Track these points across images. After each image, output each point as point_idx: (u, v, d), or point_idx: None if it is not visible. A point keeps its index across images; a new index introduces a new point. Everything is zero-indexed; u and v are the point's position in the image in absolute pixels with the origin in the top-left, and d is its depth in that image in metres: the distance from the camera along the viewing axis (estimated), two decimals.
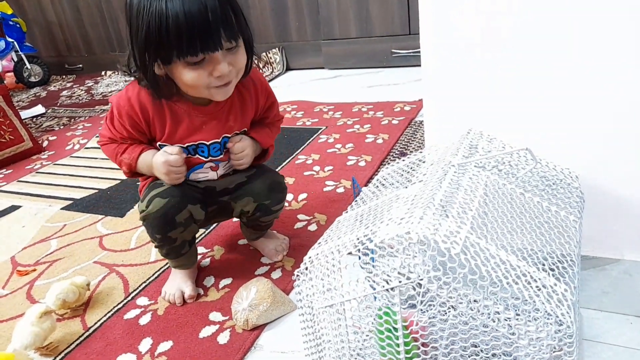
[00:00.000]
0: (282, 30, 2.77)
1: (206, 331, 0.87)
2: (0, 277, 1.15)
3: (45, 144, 2.12)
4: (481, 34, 0.83)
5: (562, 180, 0.75)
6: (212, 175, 0.95)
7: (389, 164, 0.85)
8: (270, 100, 0.98)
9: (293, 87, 2.47)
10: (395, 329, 0.56)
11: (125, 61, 0.83)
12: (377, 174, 0.84)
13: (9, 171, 1.85)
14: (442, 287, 0.51)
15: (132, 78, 0.86)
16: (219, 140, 0.91)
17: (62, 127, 2.35)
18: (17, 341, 0.85)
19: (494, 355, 0.58)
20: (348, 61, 2.61)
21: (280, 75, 2.73)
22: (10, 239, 1.32)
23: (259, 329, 0.86)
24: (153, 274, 1.06)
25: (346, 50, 2.60)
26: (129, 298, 0.99)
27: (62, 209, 1.46)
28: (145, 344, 0.86)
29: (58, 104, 2.84)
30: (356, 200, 0.77)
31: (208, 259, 1.09)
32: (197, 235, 1.12)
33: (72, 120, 2.45)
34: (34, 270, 1.15)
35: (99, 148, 1.96)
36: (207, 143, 0.90)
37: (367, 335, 0.66)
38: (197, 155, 0.91)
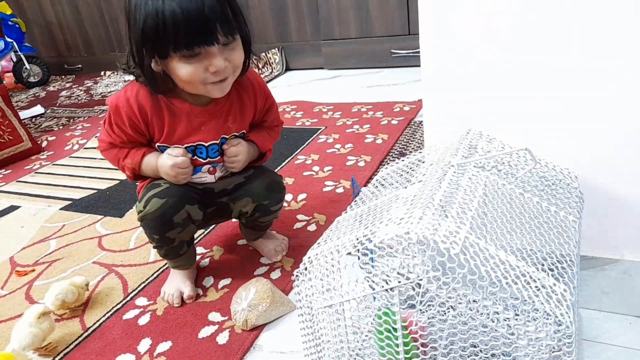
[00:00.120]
0: (281, 31, 2.77)
1: (205, 331, 0.87)
2: None
3: (44, 144, 2.12)
4: (481, 34, 0.83)
5: (561, 180, 0.75)
6: (210, 178, 0.95)
7: (388, 164, 0.85)
8: (269, 102, 0.97)
9: (292, 88, 2.47)
10: (395, 329, 0.56)
11: (125, 60, 0.83)
12: (376, 174, 0.84)
13: (8, 171, 1.85)
14: (442, 287, 0.51)
15: (132, 77, 0.86)
16: (218, 142, 0.91)
17: (61, 127, 2.35)
18: (15, 342, 0.85)
19: (493, 355, 0.58)
20: (348, 61, 2.62)
21: (279, 76, 2.73)
22: (9, 239, 1.32)
23: (258, 329, 0.86)
24: (152, 274, 1.06)
25: (346, 51, 2.60)
26: (128, 298, 0.99)
27: (61, 209, 1.45)
28: (144, 345, 0.86)
29: (57, 104, 2.84)
30: (355, 201, 0.77)
31: (207, 259, 1.09)
32: (196, 236, 1.12)
33: (71, 120, 2.45)
34: (33, 270, 1.15)
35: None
36: (206, 144, 0.90)
37: (367, 336, 0.66)
38: (195, 157, 0.91)
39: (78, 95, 3.00)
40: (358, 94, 2.17)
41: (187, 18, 0.72)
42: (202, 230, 1.19)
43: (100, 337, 0.89)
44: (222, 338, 0.84)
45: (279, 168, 1.50)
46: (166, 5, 0.72)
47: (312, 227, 1.15)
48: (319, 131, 1.77)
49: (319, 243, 0.64)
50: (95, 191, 1.55)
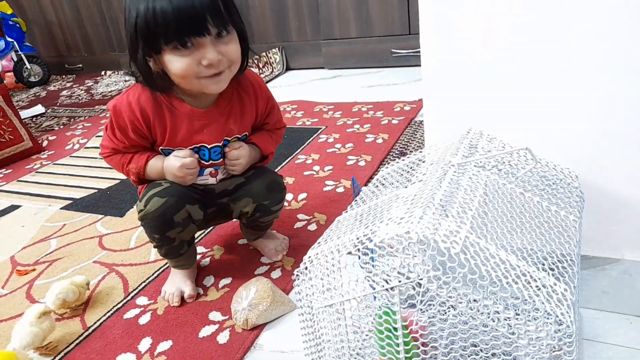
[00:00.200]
0: (282, 30, 2.77)
1: (206, 331, 0.87)
2: (0, 276, 1.14)
3: (44, 143, 2.12)
4: (481, 34, 0.83)
5: (562, 179, 0.75)
6: (212, 181, 0.95)
7: (388, 163, 0.85)
8: (270, 104, 0.97)
9: (293, 87, 2.47)
10: (395, 329, 0.56)
11: (128, 62, 0.84)
12: (376, 174, 0.84)
13: (9, 171, 1.85)
14: (442, 286, 0.51)
15: (132, 79, 0.86)
16: (220, 144, 0.91)
17: (61, 126, 2.35)
18: (16, 341, 0.85)
19: (493, 354, 0.58)
20: (348, 61, 2.62)
21: (280, 75, 2.73)
22: (9, 239, 1.32)
23: (258, 328, 0.86)
24: (153, 274, 1.06)
25: (346, 50, 2.60)
26: (129, 298, 0.99)
27: (61, 208, 1.46)
28: (144, 344, 0.86)
29: (58, 104, 2.84)
30: (356, 200, 0.77)
31: (208, 259, 1.09)
32: (196, 235, 1.12)
33: (72, 120, 2.45)
34: (34, 269, 1.15)
35: (98, 148, 1.95)
36: (208, 146, 0.90)
37: (367, 335, 0.66)
38: (197, 155, 0.91)
39: (78, 95, 3.00)
40: (358, 94, 2.17)
41: (177, 10, 0.73)
42: (203, 230, 1.19)
43: (101, 336, 0.90)
44: (223, 337, 0.85)
45: (279, 168, 1.50)
46: (157, 0, 0.73)
47: (312, 227, 1.15)
48: (320, 131, 1.77)
49: (319, 242, 0.64)
50: (96, 191, 1.55)
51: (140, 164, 0.89)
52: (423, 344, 0.56)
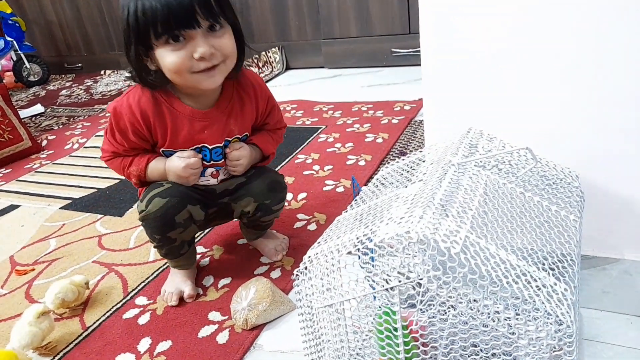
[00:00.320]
0: (282, 30, 2.77)
1: (205, 331, 0.87)
2: None
3: (44, 143, 2.11)
4: (481, 33, 0.83)
5: (562, 179, 0.75)
6: (213, 181, 0.95)
7: (388, 163, 0.85)
8: (271, 104, 0.97)
9: (293, 87, 2.46)
10: (395, 329, 0.56)
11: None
12: (376, 174, 0.84)
13: (8, 170, 1.85)
14: (442, 286, 0.50)
15: (133, 80, 0.86)
16: (221, 145, 0.91)
17: (61, 126, 2.35)
18: (15, 341, 0.85)
19: (493, 354, 0.57)
20: (348, 60, 2.61)
21: (280, 75, 2.73)
22: (9, 239, 1.32)
23: (258, 328, 0.85)
24: (152, 274, 1.06)
25: (346, 50, 2.59)
26: (128, 297, 0.99)
27: (61, 208, 1.45)
28: (144, 344, 0.86)
29: (57, 103, 2.84)
30: (356, 200, 0.77)
31: (207, 259, 1.09)
32: (196, 235, 1.12)
33: (71, 119, 2.45)
34: (33, 269, 1.15)
35: (98, 147, 1.95)
36: (210, 147, 0.90)
37: (367, 335, 0.66)
38: (200, 155, 0.91)
39: (78, 94, 3.00)
40: (358, 93, 2.17)
41: (165, 3, 0.73)
42: (203, 230, 1.18)
43: (100, 336, 0.89)
44: (222, 337, 0.84)
45: (279, 167, 1.50)
46: None
47: (312, 227, 1.15)
48: (319, 130, 1.77)
49: (319, 242, 0.64)
50: (95, 190, 1.55)
51: (141, 166, 0.89)
52: (423, 344, 0.56)
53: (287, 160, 1.55)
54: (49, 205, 1.49)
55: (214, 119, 0.89)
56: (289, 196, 1.30)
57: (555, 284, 0.55)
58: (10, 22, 3.13)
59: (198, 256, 1.07)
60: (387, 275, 0.55)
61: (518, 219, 0.64)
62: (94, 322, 0.93)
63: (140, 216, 0.89)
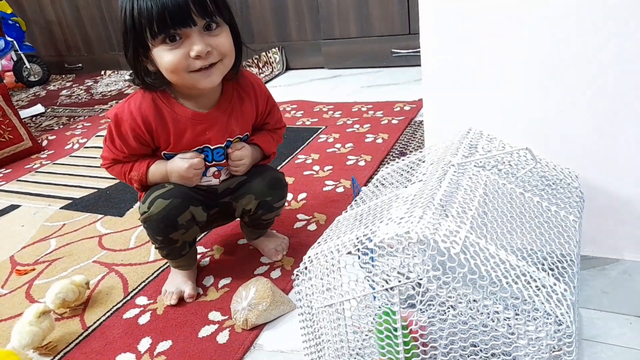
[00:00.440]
0: (282, 30, 2.77)
1: (205, 331, 0.87)
2: None
3: (44, 143, 2.12)
4: (481, 34, 0.83)
5: (562, 179, 0.75)
6: (215, 182, 0.96)
7: (388, 163, 0.85)
8: (270, 104, 0.98)
9: (293, 87, 2.47)
10: (395, 329, 0.56)
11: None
12: (376, 174, 0.84)
13: (8, 170, 1.85)
14: (442, 286, 0.51)
15: (135, 84, 0.86)
16: (223, 145, 0.91)
17: (61, 126, 2.35)
18: (15, 340, 0.85)
19: (493, 354, 0.58)
20: (348, 61, 2.61)
21: (280, 75, 2.73)
22: (9, 239, 1.32)
23: (258, 328, 0.86)
24: (152, 274, 1.06)
25: (346, 50, 2.59)
26: (128, 297, 0.99)
27: (61, 208, 1.46)
28: (144, 344, 0.86)
29: (57, 104, 2.84)
30: (356, 200, 0.77)
31: (207, 259, 1.09)
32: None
33: (72, 119, 2.45)
34: (33, 269, 1.15)
35: (98, 148, 1.96)
36: (212, 147, 0.90)
37: (367, 335, 0.66)
38: (202, 155, 0.91)
39: (78, 95, 3.00)
40: (358, 94, 2.17)
41: (161, 3, 0.74)
42: (204, 232, 1.19)
43: (101, 336, 0.90)
44: (222, 337, 0.85)
45: (279, 167, 1.50)
46: None
47: (312, 227, 1.15)
48: (319, 131, 1.77)
49: (319, 242, 0.64)
50: (96, 190, 1.55)
51: (141, 171, 0.89)
52: (423, 344, 0.56)
53: (287, 160, 1.55)
54: (50, 205, 1.49)
55: (215, 120, 0.89)
56: (289, 196, 1.30)
57: (555, 284, 0.55)
58: (10, 22, 3.13)
59: (198, 256, 1.07)
60: (387, 275, 0.55)
61: (518, 219, 0.64)
62: (95, 322, 0.93)
63: (142, 217, 0.89)
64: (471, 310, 0.52)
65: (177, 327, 0.89)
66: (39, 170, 1.81)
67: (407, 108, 1.87)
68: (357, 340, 0.65)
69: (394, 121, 1.74)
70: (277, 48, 2.78)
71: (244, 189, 0.96)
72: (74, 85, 3.29)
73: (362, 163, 1.45)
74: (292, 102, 2.15)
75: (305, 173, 1.44)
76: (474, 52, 0.85)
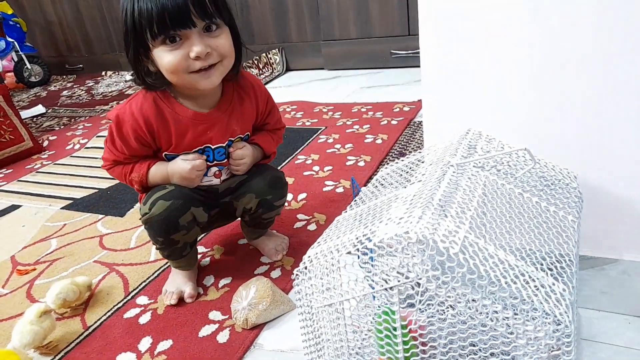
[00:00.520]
0: (282, 31, 2.77)
1: (206, 330, 0.87)
2: (0, 276, 1.15)
3: (45, 143, 2.12)
4: (480, 35, 0.83)
5: (560, 180, 0.75)
6: (216, 181, 0.96)
7: (388, 164, 0.86)
8: (270, 104, 0.98)
9: (293, 88, 2.47)
10: (394, 328, 0.56)
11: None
12: (376, 174, 0.84)
13: (9, 171, 1.85)
14: (441, 286, 0.51)
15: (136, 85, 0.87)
16: (224, 145, 0.92)
17: (62, 127, 2.35)
18: (16, 340, 0.85)
19: (492, 354, 0.58)
20: (348, 62, 2.62)
21: (280, 76, 2.73)
22: (10, 239, 1.32)
23: (258, 328, 0.86)
24: (153, 273, 1.06)
25: (346, 51, 2.60)
26: (129, 297, 0.99)
27: (62, 208, 1.46)
28: (145, 343, 0.86)
29: (58, 104, 2.84)
30: (355, 200, 0.78)
31: (208, 259, 1.09)
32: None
33: (73, 120, 2.45)
34: (34, 269, 1.15)
35: (98, 148, 1.96)
36: (213, 147, 0.91)
37: (366, 335, 0.66)
38: (204, 156, 0.91)
39: (79, 95, 3.01)
40: (358, 94, 2.18)
41: (161, 5, 0.75)
42: (205, 232, 1.19)
43: (101, 335, 0.90)
44: (223, 337, 0.85)
45: (279, 168, 1.50)
46: None
47: (312, 227, 1.15)
48: (319, 131, 1.78)
49: (319, 242, 0.64)
50: (96, 190, 1.55)
51: (142, 172, 0.90)
52: (422, 344, 0.56)
53: (287, 160, 1.55)
54: (50, 205, 1.49)
55: (216, 120, 0.89)
56: (289, 196, 1.30)
57: (554, 284, 0.56)
58: (11, 22, 3.13)
59: (199, 256, 1.07)
60: (387, 275, 0.56)
61: (517, 219, 0.64)
62: (95, 322, 0.93)
63: (143, 219, 0.89)
64: (470, 309, 0.52)
65: (177, 326, 0.89)
66: (39, 170, 1.81)
67: (406, 109, 1.87)
68: (357, 339, 0.66)
69: (394, 122, 1.75)
70: (277, 49, 2.78)
71: (245, 188, 0.96)
72: (74, 86, 3.29)
73: (361, 163, 1.45)
74: (292, 103, 2.15)
75: (305, 173, 1.44)
76: (473, 53, 0.85)
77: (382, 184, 0.80)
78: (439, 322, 0.57)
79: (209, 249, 1.13)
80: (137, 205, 1.38)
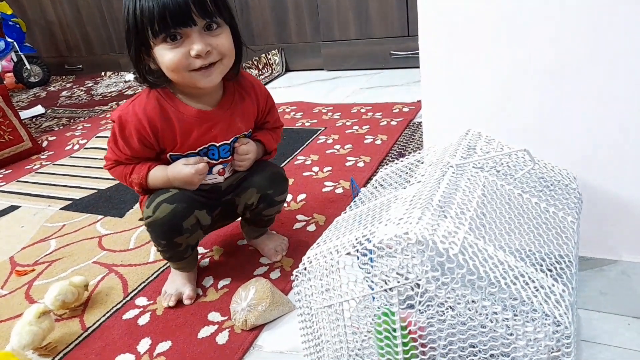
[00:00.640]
0: (281, 32, 2.77)
1: (205, 331, 0.87)
2: None
3: (44, 144, 2.12)
4: (479, 36, 0.83)
5: (560, 181, 0.75)
6: (220, 179, 0.96)
7: (387, 164, 0.86)
8: (270, 103, 1.00)
9: (292, 88, 2.47)
10: (394, 329, 0.56)
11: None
12: (375, 175, 0.84)
13: (8, 171, 1.85)
14: (441, 287, 0.51)
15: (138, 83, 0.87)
16: (229, 142, 0.92)
17: (61, 127, 2.35)
18: (15, 341, 0.85)
19: (492, 355, 0.58)
20: (347, 62, 2.62)
21: (279, 77, 2.73)
22: (9, 239, 1.32)
23: (257, 329, 0.86)
24: (152, 274, 1.06)
25: (345, 52, 2.60)
26: (128, 298, 0.99)
27: (61, 209, 1.46)
28: (144, 344, 0.86)
29: (58, 105, 2.84)
30: (355, 201, 0.77)
31: (207, 259, 1.09)
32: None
33: (72, 120, 2.45)
34: (33, 270, 1.15)
35: (98, 148, 1.96)
36: (217, 145, 0.91)
37: (366, 336, 0.66)
38: (206, 158, 0.92)
39: (78, 96, 3.00)
40: (357, 95, 2.18)
41: (162, 3, 0.75)
42: (207, 234, 1.18)
43: (100, 337, 0.90)
44: (222, 338, 0.85)
45: None
46: None
47: (311, 228, 1.15)
48: (319, 132, 1.78)
49: (318, 243, 0.64)
50: (96, 191, 1.55)
51: (141, 174, 0.90)
52: (422, 345, 0.56)
53: (286, 161, 1.55)
54: (49, 206, 1.49)
55: (220, 118, 0.90)
56: (289, 197, 1.30)
57: (554, 285, 0.56)
58: (10, 23, 3.13)
59: (198, 257, 1.07)
60: (386, 276, 0.56)
61: (516, 220, 0.64)
62: (94, 323, 0.93)
63: (146, 222, 0.89)
64: (470, 310, 0.52)
65: (176, 327, 0.89)
66: (39, 171, 1.81)
67: (405, 109, 1.87)
68: (356, 340, 0.65)
69: (393, 122, 1.75)
70: (276, 50, 2.79)
71: (246, 183, 0.97)
72: (74, 87, 3.29)
73: (361, 164, 1.45)
74: (292, 104, 2.15)
75: (305, 174, 1.44)
76: (473, 53, 0.85)
77: (382, 185, 0.80)
78: (439, 323, 0.57)
79: (208, 250, 1.13)
80: (137, 206, 1.38)
